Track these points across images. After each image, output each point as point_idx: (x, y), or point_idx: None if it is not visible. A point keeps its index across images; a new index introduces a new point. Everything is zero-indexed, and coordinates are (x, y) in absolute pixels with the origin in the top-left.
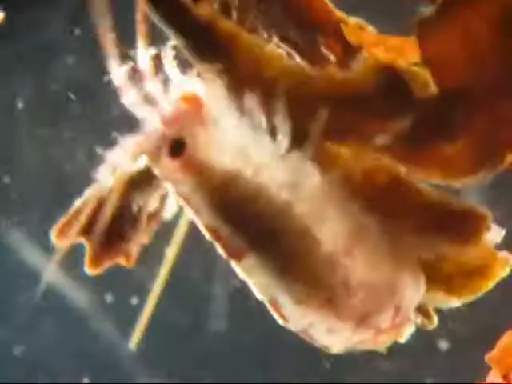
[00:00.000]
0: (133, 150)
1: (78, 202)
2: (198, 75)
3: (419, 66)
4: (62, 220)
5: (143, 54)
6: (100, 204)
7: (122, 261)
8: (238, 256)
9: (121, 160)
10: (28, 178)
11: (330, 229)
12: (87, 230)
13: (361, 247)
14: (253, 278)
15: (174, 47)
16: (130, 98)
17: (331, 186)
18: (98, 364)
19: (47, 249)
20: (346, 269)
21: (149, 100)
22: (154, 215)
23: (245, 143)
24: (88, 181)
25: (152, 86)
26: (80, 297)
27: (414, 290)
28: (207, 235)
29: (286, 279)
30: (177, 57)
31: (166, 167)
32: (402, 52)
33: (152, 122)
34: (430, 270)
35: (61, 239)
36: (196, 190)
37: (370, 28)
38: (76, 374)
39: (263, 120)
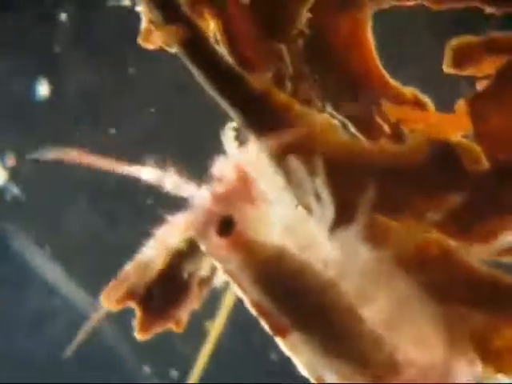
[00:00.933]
0: (181, 226)
1: (127, 268)
2: (250, 151)
3: (469, 140)
4: (111, 284)
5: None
6: (151, 269)
7: (172, 326)
8: (283, 333)
9: (169, 236)
10: (68, 247)
11: (376, 306)
12: (138, 295)
13: (408, 324)
14: (298, 355)
15: (234, 129)
16: (172, 179)
17: (381, 263)
18: None
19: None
20: (393, 346)
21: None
22: (205, 281)
23: (292, 220)
24: (130, 250)
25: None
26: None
27: (467, 370)
28: (253, 310)
29: (332, 357)
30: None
31: (213, 244)
32: (442, 129)
33: (200, 198)
34: (480, 345)
35: (110, 304)
36: (242, 267)
37: (426, 99)
38: None
39: (311, 194)
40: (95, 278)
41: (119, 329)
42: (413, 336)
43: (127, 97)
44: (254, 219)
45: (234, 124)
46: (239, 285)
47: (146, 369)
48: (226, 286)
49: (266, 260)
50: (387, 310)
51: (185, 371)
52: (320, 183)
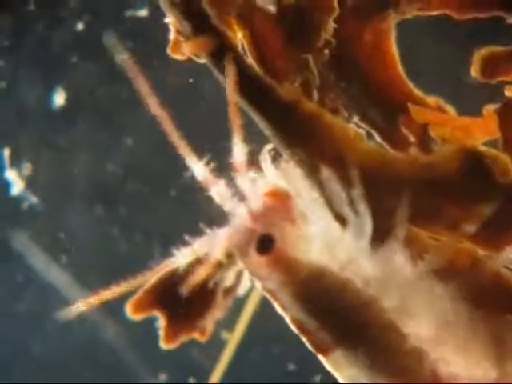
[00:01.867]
0: (222, 242)
1: (152, 276)
2: (286, 169)
3: (496, 148)
4: (138, 294)
5: (238, 149)
6: (177, 279)
7: (196, 336)
8: (325, 351)
9: (209, 249)
10: (84, 256)
11: (418, 321)
12: (163, 305)
13: (452, 337)
14: (341, 372)
15: (272, 150)
16: (218, 191)
17: (420, 277)
18: None
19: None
20: (435, 361)
21: (238, 194)
22: (230, 291)
23: (331, 238)
24: (144, 261)
25: (242, 180)
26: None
27: None
28: (294, 328)
29: (375, 373)
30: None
31: (253, 262)
32: (469, 133)
33: (241, 215)
34: None
35: (135, 313)
36: (282, 285)
37: (449, 108)
38: None
39: (346, 206)
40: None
41: (136, 336)
42: (457, 349)
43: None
44: (293, 237)
45: (271, 145)
46: (280, 303)
47: (163, 376)
48: (246, 296)
49: (307, 278)
50: (429, 325)
51: (203, 380)
52: (357, 195)
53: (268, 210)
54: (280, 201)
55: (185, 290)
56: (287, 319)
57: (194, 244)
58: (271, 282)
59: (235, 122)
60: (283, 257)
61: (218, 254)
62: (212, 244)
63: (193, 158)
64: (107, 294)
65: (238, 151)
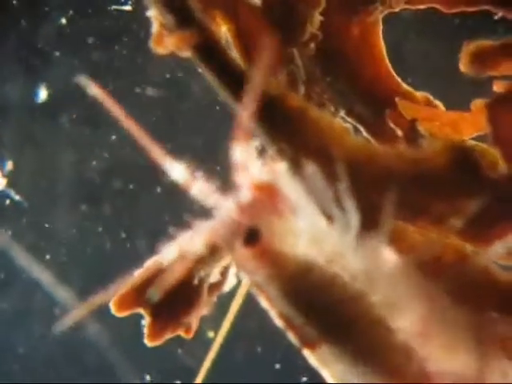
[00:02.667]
0: (207, 235)
1: (137, 274)
2: (272, 164)
3: (486, 143)
4: (121, 291)
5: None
6: (161, 276)
7: (181, 332)
8: (311, 346)
9: (192, 243)
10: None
11: (404, 316)
12: (147, 301)
13: (438, 333)
14: (327, 367)
15: (258, 147)
16: (199, 189)
17: (406, 272)
18: None
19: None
20: (424, 356)
21: (220, 188)
22: (215, 287)
23: (318, 232)
24: (128, 257)
25: (230, 173)
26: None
27: (500, 378)
28: (280, 323)
29: (362, 369)
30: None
31: (240, 255)
32: (457, 127)
33: (226, 208)
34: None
35: (120, 310)
36: (269, 279)
37: (438, 103)
38: None
39: (332, 201)
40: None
41: (121, 336)
42: (444, 345)
43: (130, 101)
44: (280, 231)
45: (257, 142)
46: (266, 297)
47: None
48: (232, 293)
49: (294, 272)
50: (416, 320)
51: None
52: (343, 190)
53: (255, 203)
54: (267, 194)
55: (163, 284)
56: (273, 314)
57: (179, 238)
58: (258, 276)
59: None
60: (270, 250)
61: (200, 247)
62: (198, 237)
63: (169, 162)
64: (99, 298)
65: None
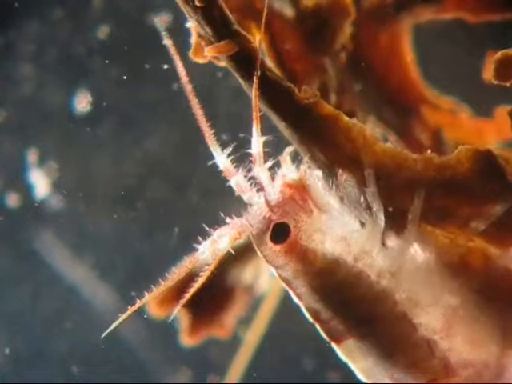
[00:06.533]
0: (238, 231)
1: (174, 274)
2: (305, 170)
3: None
4: (159, 292)
5: (256, 141)
6: (197, 276)
7: (217, 332)
8: (338, 340)
9: (224, 239)
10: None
11: (427, 312)
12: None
13: (461, 327)
14: (353, 360)
15: (292, 153)
16: (237, 182)
17: (432, 272)
18: None
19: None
20: (445, 350)
21: (256, 184)
22: (249, 288)
23: (345, 230)
24: (166, 259)
25: (260, 171)
26: None
27: None
28: (308, 317)
29: (387, 363)
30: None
31: (269, 251)
32: (482, 135)
33: (258, 205)
34: None
35: (158, 311)
36: (297, 275)
37: (464, 108)
38: None
39: (362, 204)
40: (135, 289)
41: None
42: (466, 338)
43: (165, 110)
44: (309, 228)
45: (291, 149)
46: (295, 291)
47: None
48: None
49: (321, 268)
50: (437, 315)
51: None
52: (371, 194)
53: (285, 200)
54: (297, 192)
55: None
56: (302, 308)
57: (213, 235)
58: (287, 271)
59: (256, 116)
60: (298, 246)
61: (231, 241)
62: (229, 232)
63: (216, 148)
64: (145, 299)
65: (256, 144)
